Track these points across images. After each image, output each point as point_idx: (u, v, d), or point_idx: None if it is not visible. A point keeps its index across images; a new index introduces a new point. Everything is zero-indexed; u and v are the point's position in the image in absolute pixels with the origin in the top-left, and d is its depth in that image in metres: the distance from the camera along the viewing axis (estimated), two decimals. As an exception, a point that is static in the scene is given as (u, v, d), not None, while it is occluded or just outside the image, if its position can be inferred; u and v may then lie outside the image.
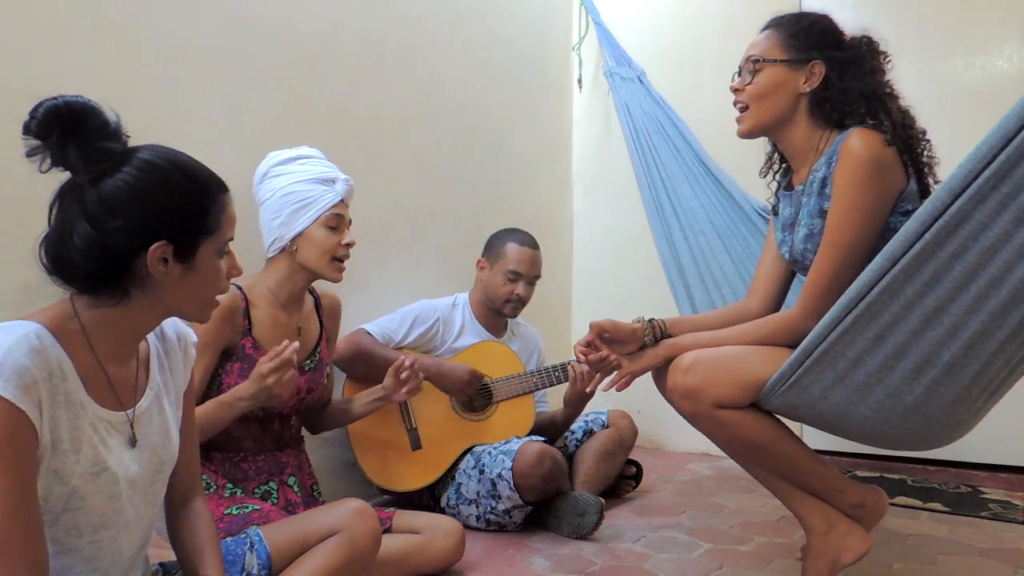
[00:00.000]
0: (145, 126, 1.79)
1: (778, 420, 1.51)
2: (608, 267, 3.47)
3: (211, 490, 1.65)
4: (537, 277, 2.44)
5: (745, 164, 2.16)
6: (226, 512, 1.56)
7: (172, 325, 1.18)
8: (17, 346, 0.88)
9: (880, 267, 1.22)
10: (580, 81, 3.52)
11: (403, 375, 1.88)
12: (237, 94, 2.05)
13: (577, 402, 2.35)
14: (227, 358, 1.68)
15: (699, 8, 3.23)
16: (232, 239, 1.09)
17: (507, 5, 3.17)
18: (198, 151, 1.91)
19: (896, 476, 2.67)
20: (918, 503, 2.35)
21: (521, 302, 2.40)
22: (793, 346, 1.41)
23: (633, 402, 2.48)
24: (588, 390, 1.67)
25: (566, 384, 2.34)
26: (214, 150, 1.93)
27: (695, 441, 3.19)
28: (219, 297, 1.61)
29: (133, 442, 1.05)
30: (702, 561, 1.89)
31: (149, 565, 1.19)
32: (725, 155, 2.59)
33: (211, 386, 1.66)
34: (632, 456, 2.52)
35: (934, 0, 2.82)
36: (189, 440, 1.20)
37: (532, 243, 2.44)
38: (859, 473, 2.72)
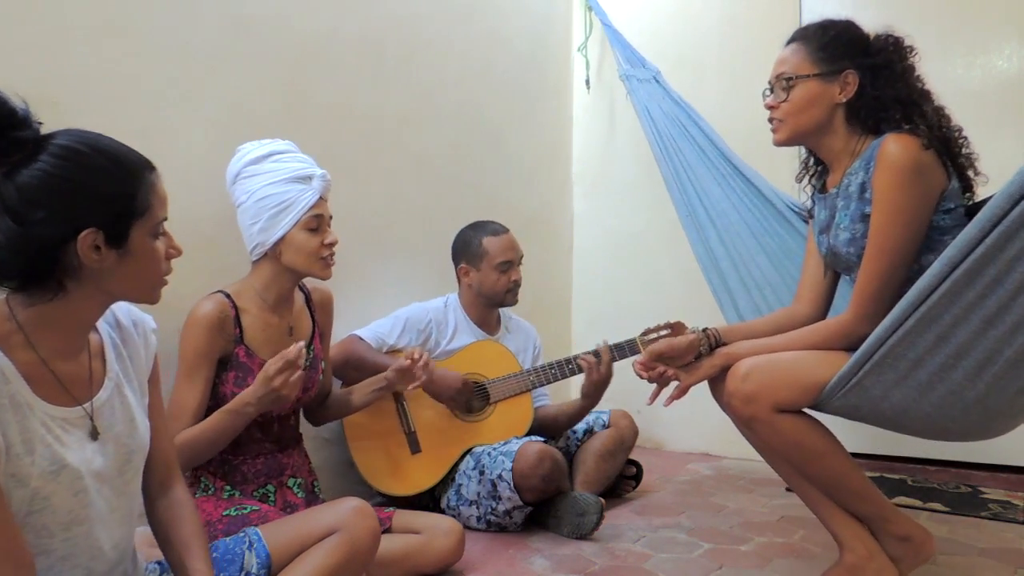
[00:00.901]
0: (145, 126, 1.81)
1: (834, 437, 1.51)
2: (608, 267, 3.46)
3: (210, 492, 1.65)
4: (522, 256, 2.45)
5: (765, 160, 2.15)
6: (224, 513, 1.56)
7: (127, 312, 1.16)
8: None
9: (940, 272, 1.23)
10: (588, 82, 3.51)
11: (414, 374, 1.88)
12: (237, 94, 2.04)
13: (595, 393, 2.32)
14: (222, 367, 1.67)
15: (700, 8, 3.23)
16: (166, 219, 1.05)
17: (507, 5, 3.17)
18: (198, 151, 1.93)
19: (896, 476, 2.67)
20: (918, 503, 2.35)
21: (518, 286, 2.41)
22: (848, 349, 1.42)
23: (633, 402, 2.47)
24: (648, 404, 1.70)
25: (564, 380, 2.34)
26: (214, 150, 1.95)
27: (695, 441, 3.21)
28: (208, 309, 1.64)
29: (95, 435, 1.03)
30: (702, 561, 1.89)
31: (140, 563, 1.19)
32: (749, 153, 2.58)
33: (210, 397, 1.65)
34: (632, 456, 2.52)
35: (934, 0, 2.82)
36: (160, 427, 1.19)
37: (501, 227, 2.44)
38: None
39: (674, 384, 1.66)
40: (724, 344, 1.64)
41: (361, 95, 2.44)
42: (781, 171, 2.82)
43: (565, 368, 2.31)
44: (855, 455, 2.87)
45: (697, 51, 3.19)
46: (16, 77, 1.55)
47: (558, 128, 3.51)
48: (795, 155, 2.89)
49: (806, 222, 2.18)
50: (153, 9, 1.84)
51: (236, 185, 1.78)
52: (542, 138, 3.39)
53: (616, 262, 3.43)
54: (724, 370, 1.56)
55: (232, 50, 2.04)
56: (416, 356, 1.88)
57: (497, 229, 2.42)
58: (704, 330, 1.67)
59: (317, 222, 1.74)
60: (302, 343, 1.51)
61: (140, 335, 1.17)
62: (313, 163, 1.80)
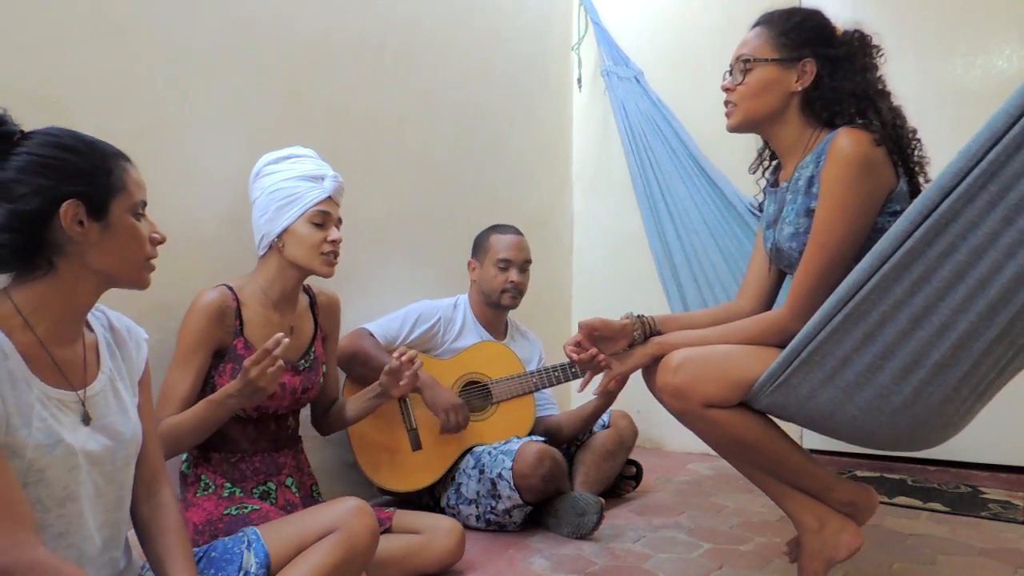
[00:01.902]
0: (145, 126, 1.81)
1: (768, 419, 1.51)
2: (607, 267, 3.47)
3: (210, 490, 1.65)
4: (528, 262, 2.44)
5: (744, 164, 2.16)
6: (225, 512, 1.57)
7: (120, 319, 1.22)
8: None
9: (870, 266, 1.21)
10: (580, 81, 3.53)
11: (402, 373, 1.86)
12: (237, 94, 2.04)
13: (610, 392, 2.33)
14: (219, 359, 1.67)
15: (699, 8, 3.23)
16: (145, 203, 1.12)
17: (507, 5, 3.17)
18: (198, 151, 1.93)
19: (896, 476, 2.67)
20: (918, 503, 2.35)
21: (517, 290, 2.41)
22: (782, 346, 1.40)
23: (633, 402, 2.47)
24: (580, 391, 1.68)
25: (566, 384, 2.34)
26: (214, 150, 1.95)
27: (695, 441, 3.14)
28: (211, 298, 1.64)
29: (87, 420, 1.07)
30: (702, 561, 1.89)
31: (134, 558, 1.19)
32: (725, 155, 2.58)
33: (204, 388, 1.65)
34: (632, 456, 2.52)
35: (934, 0, 2.82)
36: (149, 431, 1.22)
37: (515, 230, 2.46)
38: (859, 473, 2.72)
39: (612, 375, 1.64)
40: (659, 333, 1.62)
41: (361, 95, 2.44)
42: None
43: (568, 371, 2.31)
44: (854, 455, 2.89)
45: (695, 52, 3.19)
46: (16, 77, 1.56)
47: (558, 128, 3.52)
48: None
49: (757, 217, 2.19)
50: (153, 9, 1.84)
51: (254, 184, 1.80)
52: (542, 138, 3.39)
53: (616, 262, 3.43)
54: (657, 360, 1.53)
55: (232, 50, 2.04)
56: (404, 357, 1.85)
57: (507, 229, 2.46)
58: (639, 317, 1.63)
59: (323, 218, 1.75)
60: (281, 334, 1.46)
61: (132, 340, 1.22)
62: (328, 167, 1.81)
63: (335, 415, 1.96)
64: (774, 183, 1.66)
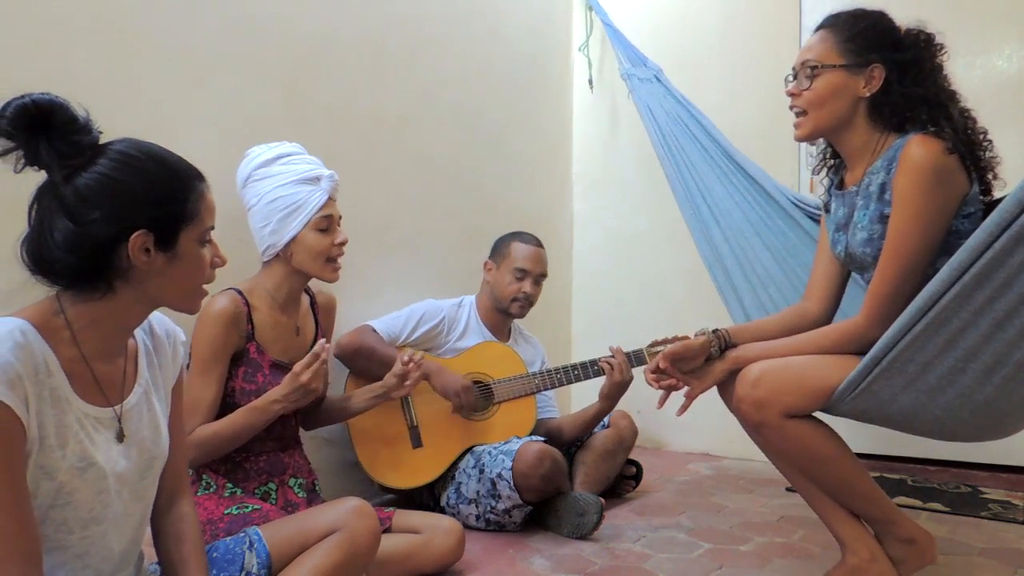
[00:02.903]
0: (145, 126, 1.80)
1: (843, 441, 1.51)
2: (608, 267, 3.47)
3: (211, 490, 1.65)
4: (543, 276, 2.46)
5: (767, 158, 2.15)
6: (226, 512, 1.57)
7: (160, 322, 1.19)
8: (1, 342, 0.89)
9: (949, 277, 1.22)
10: (591, 82, 3.50)
11: (408, 375, 1.88)
12: (237, 94, 2.04)
13: (615, 394, 2.34)
14: (232, 363, 1.69)
15: (701, 8, 3.23)
16: (213, 227, 1.09)
17: (507, 5, 3.16)
18: (198, 151, 1.91)
19: (896, 476, 2.67)
20: (918, 503, 2.35)
21: (528, 300, 2.42)
22: (859, 353, 1.41)
23: (633, 402, 2.47)
24: (658, 408, 1.69)
25: (567, 386, 2.34)
26: (214, 150, 1.94)
27: (695, 441, 3.21)
28: (223, 304, 1.65)
29: (121, 437, 1.05)
30: (702, 561, 1.89)
31: (144, 564, 1.19)
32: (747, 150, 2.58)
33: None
34: (632, 456, 2.52)
35: (934, 0, 2.82)
36: (177, 437, 1.21)
37: (537, 242, 2.47)
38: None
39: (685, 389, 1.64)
40: (734, 345, 1.62)
41: (361, 95, 2.44)
42: (783, 168, 2.82)
43: (571, 373, 2.32)
44: (855, 455, 2.88)
45: (697, 51, 3.19)
46: (16, 77, 1.56)
47: (558, 128, 3.51)
48: (795, 153, 2.91)
49: (815, 220, 2.17)
50: (153, 9, 1.84)
51: (246, 189, 1.79)
52: (542, 138, 3.39)
53: (616, 262, 3.43)
54: (733, 374, 1.55)
55: (232, 50, 2.04)
56: (410, 360, 1.89)
57: (530, 240, 2.46)
58: (715, 331, 1.64)
59: (327, 222, 1.76)
60: (324, 340, 1.61)
61: (171, 346, 1.20)
62: (321, 164, 1.81)
63: (323, 412, 1.97)
64: (840, 184, 1.65)
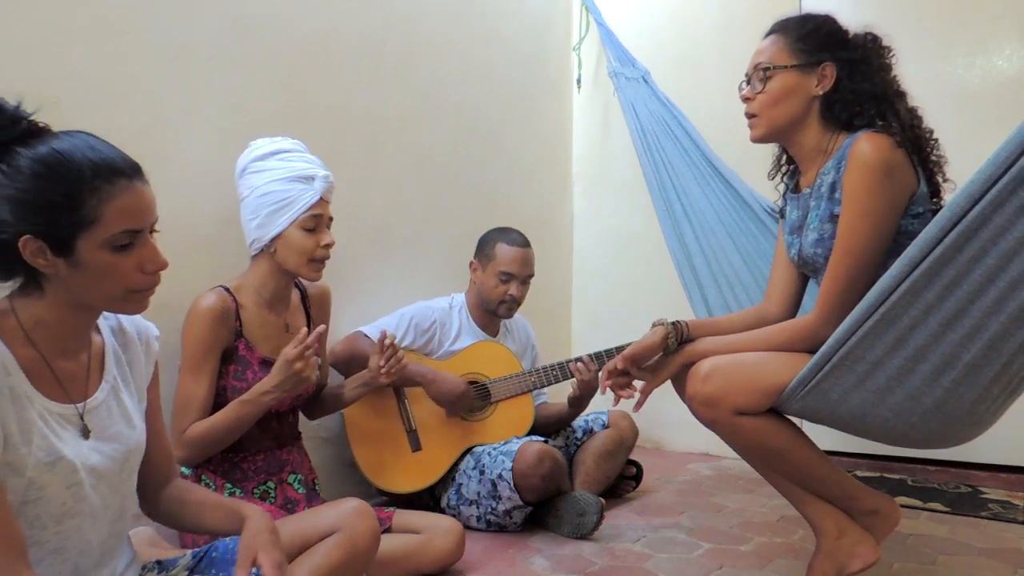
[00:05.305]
0: (145, 126, 1.81)
1: (796, 428, 1.51)
2: (608, 267, 3.47)
3: (211, 489, 1.65)
4: (530, 276, 2.43)
5: (750, 162, 2.16)
6: (226, 512, 1.57)
7: (131, 321, 1.19)
8: None
9: (899, 272, 1.22)
10: (579, 81, 3.52)
11: (386, 354, 1.87)
12: (237, 94, 2.04)
13: (581, 402, 2.37)
14: (222, 361, 1.69)
15: (699, 7, 3.23)
16: (137, 230, 1.00)
17: (507, 4, 3.16)
18: (198, 151, 1.93)
19: (896, 476, 2.67)
20: (918, 503, 2.35)
21: (515, 302, 2.40)
22: (811, 351, 1.41)
23: (633, 402, 2.47)
24: (614, 406, 1.69)
25: (565, 382, 2.34)
26: (214, 150, 1.95)
27: (695, 441, 3.21)
28: (211, 301, 1.65)
29: (86, 434, 1.06)
30: (702, 561, 1.89)
31: (136, 556, 1.19)
32: (727, 155, 2.59)
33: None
34: (632, 456, 2.52)
35: (934, 0, 2.82)
36: (159, 427, 1.23)
37: (522, 242, 2.42)
38: (859, 473, 2.72)
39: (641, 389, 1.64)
40: (692, 339, 1.62)
41: (361, 95, 2.44)
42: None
43: (566, 369, 2.32)
44: (855, 455, 2.89)
45: (697, 51, 3.19)
46: (16, 77, 1.56)
47: (558, 128, 3.51)
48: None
49: (774, 218, 2.19)
50: (153, 9, 1.84)
51: (241, 180, 1.79)
52: (542, 138, 3.39)
53: (616, 262, 3.43)
54: (687, 367, 1.54)
55: (232, 50, 2.03)
56: (385, 338, 1.88)
57: (516, 240, 2.41)
58: (674, 323, 1.62)
59: (315, 222, 1.75)
60: (323, 327, 1.62)
61: (142, 342, 1.19)
62: (319, 164, 1.81)
63: (323, 401, 1.97)
64: (795, 188, 1.66)
